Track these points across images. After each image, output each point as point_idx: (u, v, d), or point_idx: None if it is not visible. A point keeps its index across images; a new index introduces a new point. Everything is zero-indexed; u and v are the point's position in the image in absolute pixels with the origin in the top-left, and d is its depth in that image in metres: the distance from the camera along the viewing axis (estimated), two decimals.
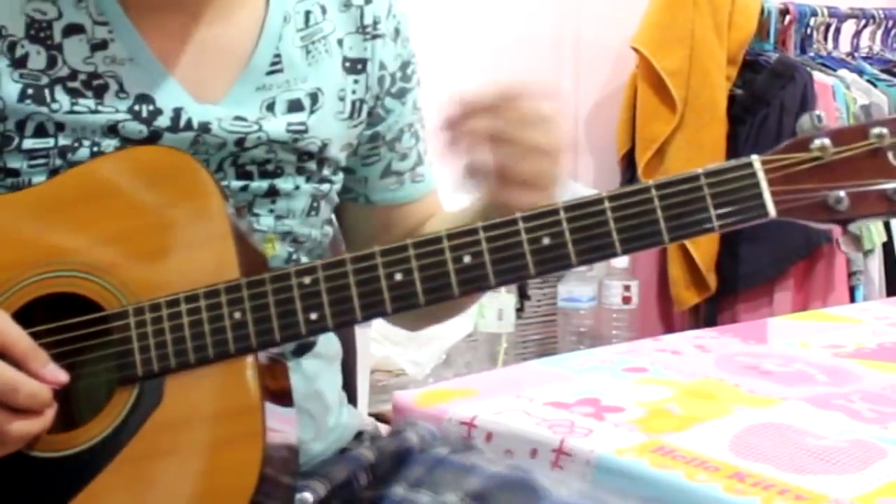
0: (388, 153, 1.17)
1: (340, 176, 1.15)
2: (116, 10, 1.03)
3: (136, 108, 1.03)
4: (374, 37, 1.13)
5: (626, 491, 1.50)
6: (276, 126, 1.06)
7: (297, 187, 1.09)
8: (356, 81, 1.12)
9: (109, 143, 1.02)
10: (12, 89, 1.01)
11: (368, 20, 1.13)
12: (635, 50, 3.26)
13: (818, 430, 1.67)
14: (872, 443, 1.63)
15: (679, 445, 1.60)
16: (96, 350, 0.97)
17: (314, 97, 1.09)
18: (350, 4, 1.13)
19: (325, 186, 1.12)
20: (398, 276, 0.91)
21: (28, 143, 1.02)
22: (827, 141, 0.88)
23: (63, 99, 1.02)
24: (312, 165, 1.09)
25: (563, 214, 0.90)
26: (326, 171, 1.11)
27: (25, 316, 0.95)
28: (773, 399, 1.83)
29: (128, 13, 1.04)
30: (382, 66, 1.13)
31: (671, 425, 1.69)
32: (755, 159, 0.89)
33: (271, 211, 1.08)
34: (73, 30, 1.03)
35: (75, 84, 1.02)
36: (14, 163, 1.02)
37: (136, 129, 1.03)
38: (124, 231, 0.98)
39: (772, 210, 0.88)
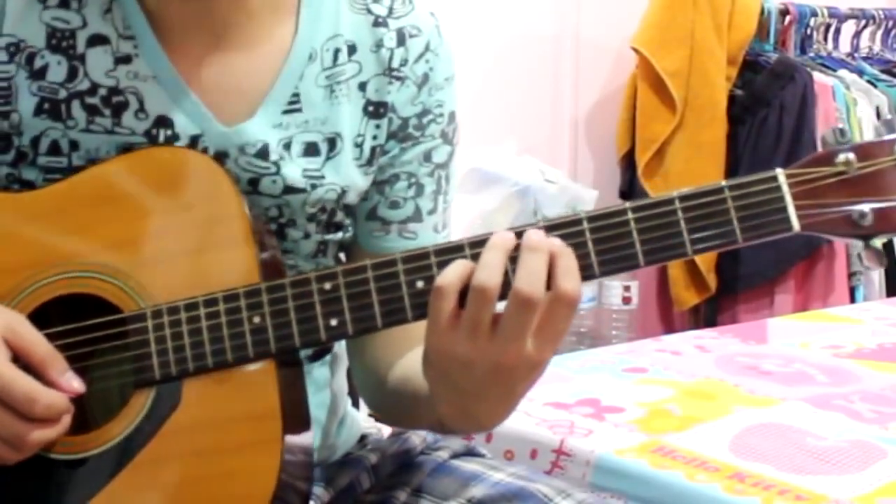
0: (375, 195, 1.09)
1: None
2: (143, 25, 1.02)
3: (154, 131, 1.01)
4: (397, 79, 1.07)
5: (626, 491, 1.50)
6: (293, 171, 1.04)
7: (308, 236, 1.07)
8: (377, 126, 1.07)
9: None
10: (29, 103, 1.01)
11: (396, 62, 1.07)
12: (635, 50, 3.27)
13: (818, 431, 1.67)
14: (872, 443, 1.63)
15: (679, 446, 1.60)
16: (113, 352, 0.96)
17: (332, 142, 1.05)
18: (381, 45, 1.07)
19: (338, 234, 1.09)
20: (419, 284, 0.90)
21: (42, 160, 1.01)
22: (852, 155, 0.88)
23: (80, 116, 1.01)
24: (324, 216, 1.07)
25: (586, 225, 0.89)
26: (339, 217, 1.09)
27: (42, 317, 0.95)
28: (773, 399, 1.83)
29: (154, 30, 1.02)
30: (393, 109, 1.07)
31: (671, 425, 1.69)
32: (780, 173, 0.89)
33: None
34: (97, 40, 1.01)
35: (94, 100, 1.01)
36: (29, 175, 1.02)
37: None
38: (142, 232, 0.97)
39: (796, 224, 0.88)
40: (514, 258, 0.87)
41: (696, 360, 2.09)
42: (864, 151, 0.88)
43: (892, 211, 0.88)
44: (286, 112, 1.04)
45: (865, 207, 0.87)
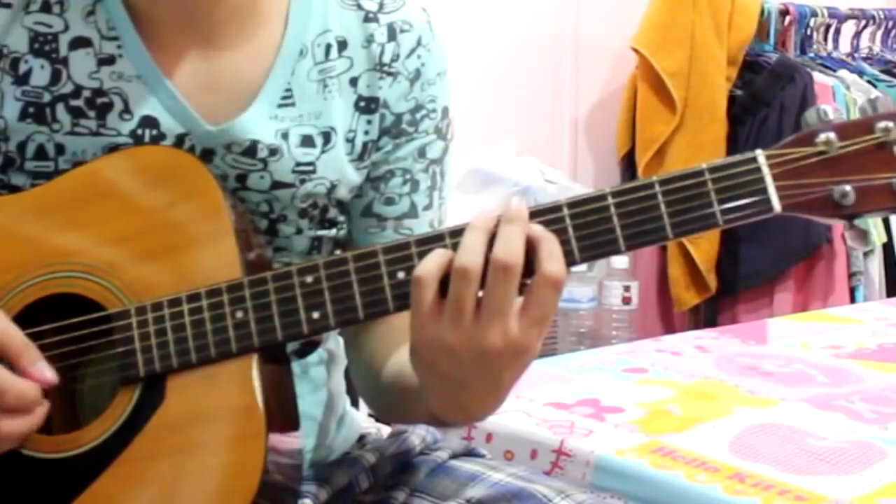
0: (370, 191, 1.10)
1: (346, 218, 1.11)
2: (127, 25, 1.02)
3: (139, 131, 1.01)
4: (388, 74, 1.07)
5: (626, 491, 1.50)
6: (284, 166, 1.04)
7: (300, 231, 1.07)
8: (369, 122, 1.08)
9: None
10: (14, 108, 1.01)
11: (387, 57, 1.07)
12: (635, 50, 3.26)
13: (818, 431, 1.67)
14: (872, 443, 1.63)
15: (679, 446, 1.60)
16: (99, 350, 0.96)
17: (327, 136, 1.06)
18: (372, 40, 1.07)
19: (332, 231, 1.10)
20: (401, 275, 0.90)
21: (29, 165, 1.02)
22: (832, 135, 0.87)
23: (64, 119, 1.01)
24: (316, 212, 1.07)
25: (566, 211, 0.89)
26: (332, 213, 1.09)
27: (29, 317, 0.95)
28: (773, 400, 1.83)
29: (138, 29, 1.02)
30: (385, 105, 1.08)
31: (671, 426, 1.69)
32: (760, 153, 0.88)
33: (269, 242, 1.06)
34: (80, 43, 1.02)
35: (78, 102, 1.01)
36: (18, 180, 1.02)
37: None
38: (126, 231, 0.97)
39: (777, 205, 0.87)
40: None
41: (696, 361, 2.09)
42: (845, 131, 0.87)
43: (874, 190, 0.86)
44: (280, 106, 1.04)
45: (847, 187, 0.86)
